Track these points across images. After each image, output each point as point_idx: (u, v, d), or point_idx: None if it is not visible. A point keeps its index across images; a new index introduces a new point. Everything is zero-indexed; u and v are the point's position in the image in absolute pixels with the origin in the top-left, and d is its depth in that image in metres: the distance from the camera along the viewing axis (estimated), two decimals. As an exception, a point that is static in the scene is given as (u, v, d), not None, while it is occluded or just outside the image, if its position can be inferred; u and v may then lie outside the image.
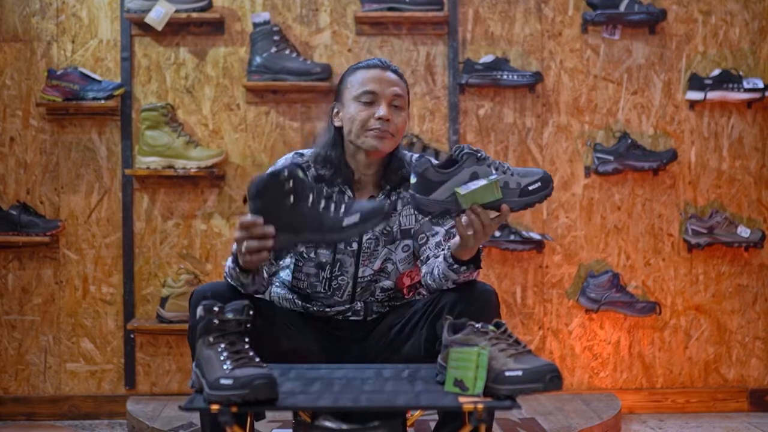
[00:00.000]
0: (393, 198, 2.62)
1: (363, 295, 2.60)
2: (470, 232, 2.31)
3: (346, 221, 2.26)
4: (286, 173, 2.26)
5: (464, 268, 2.40)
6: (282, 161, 2.66)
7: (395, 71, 2.63)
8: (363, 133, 2.56)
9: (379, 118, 2.54)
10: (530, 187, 2.30)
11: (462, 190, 2.27)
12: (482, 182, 2.26)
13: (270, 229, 2.24)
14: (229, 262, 2.41)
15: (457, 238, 2.37)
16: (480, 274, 2.47)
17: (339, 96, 2.65)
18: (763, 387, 4.20)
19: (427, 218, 2.58)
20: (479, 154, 2.30)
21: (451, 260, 2.40)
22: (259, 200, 2.26)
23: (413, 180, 2.32)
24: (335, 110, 2.65)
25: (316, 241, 2.30)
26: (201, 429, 2.38)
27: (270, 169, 2.33)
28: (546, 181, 2.32)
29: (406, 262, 2.62)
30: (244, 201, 2.35)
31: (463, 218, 2.31)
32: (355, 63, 2.68)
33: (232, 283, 2.43)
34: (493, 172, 2.29)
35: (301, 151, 2.68)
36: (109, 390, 4.12)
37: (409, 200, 2.36)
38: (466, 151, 2.30)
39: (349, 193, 2.60)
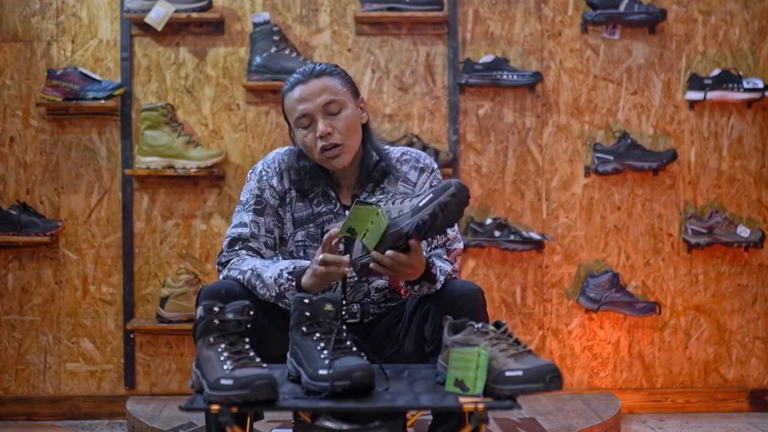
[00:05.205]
0: (378, 194, 2.60)
1: (355, 295, 2.59)
2: (390, 273, 2.31)
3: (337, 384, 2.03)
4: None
5: (416, 287, 2.40)
6: (272, 155, 2.67)
7: (318, 74, 2.55)
8: (318, 157, 2.55)
9: (321, 136, 2.52)
10: (421, 203, 2.24)
11: (341, 226, 2.31)
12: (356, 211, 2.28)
13: (344, 269, 2.33)
14: (270, 272, 2.42)
15: None
16: (469, 273, 2.46)
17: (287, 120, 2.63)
18: (763, 387, 4.20)
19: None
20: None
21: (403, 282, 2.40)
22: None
23: None
24: (292, 133, 2.63)
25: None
26: (206, 429, 2.38)
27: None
28: (439, 191, 2.23)
29: None
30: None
31: (372, 265, 2.30)
32: (286, 82, 2.60)
33: (253, 288, 2.45)
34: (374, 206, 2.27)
35: (293, 147, 2.66)
36: (109, 390, 4.12)
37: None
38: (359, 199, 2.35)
39: (332, 194, 2.59)
